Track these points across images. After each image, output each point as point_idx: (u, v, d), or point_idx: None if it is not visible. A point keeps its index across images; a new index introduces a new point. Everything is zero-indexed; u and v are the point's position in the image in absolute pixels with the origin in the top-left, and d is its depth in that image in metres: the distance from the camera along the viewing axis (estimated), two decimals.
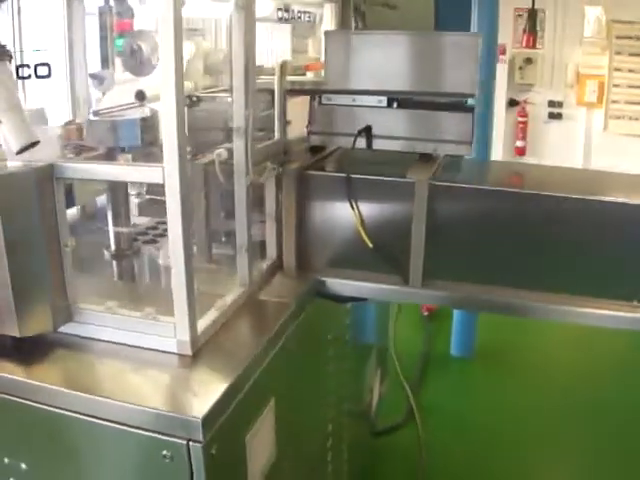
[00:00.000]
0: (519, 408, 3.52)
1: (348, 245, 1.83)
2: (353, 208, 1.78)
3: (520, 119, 6.44)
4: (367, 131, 1.87)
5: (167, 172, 1.33)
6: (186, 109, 1.95)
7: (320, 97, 1.89)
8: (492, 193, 1.74)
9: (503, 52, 6.28)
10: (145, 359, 1.44)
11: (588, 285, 1.73)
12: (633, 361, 4.10)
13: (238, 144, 1.59)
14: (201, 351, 1.47)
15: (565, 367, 4.01)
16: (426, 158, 1.88)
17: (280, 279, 1.83)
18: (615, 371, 3.95)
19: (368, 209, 1.80)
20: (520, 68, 6.30)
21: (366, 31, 2.44)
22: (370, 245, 1.79)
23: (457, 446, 3.21)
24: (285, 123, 1.88)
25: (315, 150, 1.97)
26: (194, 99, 1.95)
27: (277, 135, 1.83)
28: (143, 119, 1.89)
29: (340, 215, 1.81)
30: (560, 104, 6.33)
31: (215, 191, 1.80)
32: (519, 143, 6.49)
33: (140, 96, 1.96)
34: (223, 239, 1.96)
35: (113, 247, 1.96)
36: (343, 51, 1.82)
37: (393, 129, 1.86)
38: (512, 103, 6.46)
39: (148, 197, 2.51)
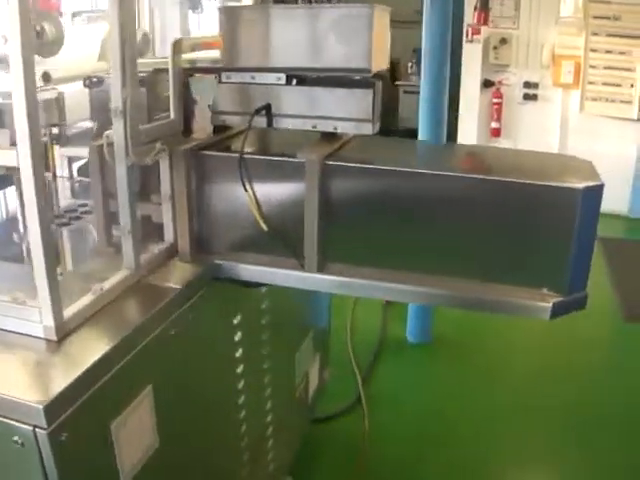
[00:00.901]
0: (474, 396, 3.51)
1: (246, 228, 1.80)
2: (246, 189, 1.75)
3: (495, 100, 6.37)
4: (267, 110, 1.83)
5: (20, 155, 1.30)
6: (87, 89, 1.97)
7: (220, 75, 1.85)
8: (387, 173, 1.69)
9: (477, 32, 6.22)
10: (13, 343, 1.42)
11: (495, 271, 1.69)
12: (591, 340, 4.10)
13: (117, 125, 1.56)
14: (70, 336, 1.45)
15: (524, 353, 3.99)
16: (329, 137, 1.85)
17: (174, 263, 1.80)
18: (576, 354, 3.94)
19: (263, 190, 1.76)
20: (495, 48, 6.23)
21: (259, 5, 2.39)
22: (265, 228, 1.76)
23: (403, 435, 3.19)
24: (185, 102, 1.85)
25: (220, 130, 1.93)
26: (94, 80, 1.91)
27: (173, 115, 1.80)
28: (46, 101, 1.88)
29: (236, 197, 1.76)
30: (536, 85, 6.26)
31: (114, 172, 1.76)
32: (494, 124, 6.43)
33: (46, 77, 1.93)
34: None
35: (22, 230, 1.95)
36: (238, 27, 1.77)
37: (293, 107, 1.81)
38: (487, 84, 6.39)
39: (78, 179, 2.52)
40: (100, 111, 1.85)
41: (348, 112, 1.78)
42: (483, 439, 3.17)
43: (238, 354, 2.02)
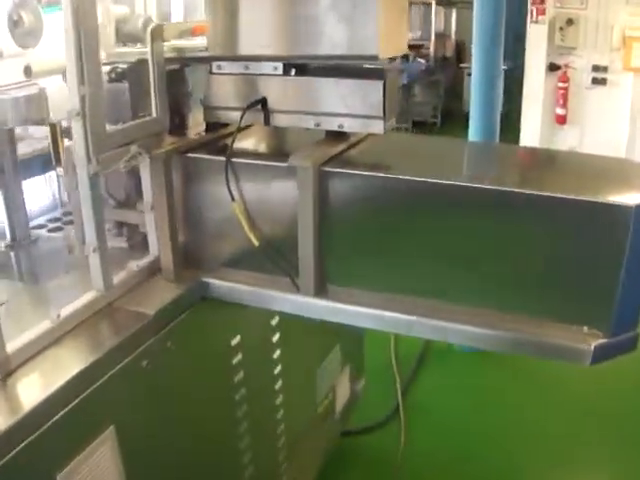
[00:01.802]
0: (524, 413, 3.13)
1: (237, 242, 1.52)
2: (233, 198, 1.46)
3: (561, 85, 5.79)
4: (263, 104, 1.54)
5: None
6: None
7: (211, 65, 1.57)
8: (397, 182, 1.36)
9: (542, 12, 5.66)
10: None
11: (525, 301, 1.35)
12: None
13: (75, 129, 1.31)
14: (16, 372, 1.22)
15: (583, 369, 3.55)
16: (334, 136, 1.53)
17: (157, 282, 1.54)
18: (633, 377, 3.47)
19: (255, 199, 1.47)
20: (561, 29, 5.64)
21: None
22: (255, 243, 1.48)
23: (442, 451, 2.86)
24: (175, 96, 1.58)
25: (218, 127, 1.65)
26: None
27: (155, 112, 1.53)
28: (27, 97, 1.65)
29: (226, 206, 1.48)
30: (605, 69, 5.63)
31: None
32: (559, 111, 5.84)
33: (27, 72, 1.70)
34: (115, 230, 1.70)
35: (8, 237, 1.75)
36: (226, 10, 1.48)
37: (293, 102, 1.51)
38: (552, 68, 5.81)
39: None
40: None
41: (355, 107, 1.46)
42: (531, 461, 2.80)
43: (238, 378, 1.75)
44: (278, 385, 2.00)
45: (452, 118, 8.53)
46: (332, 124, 1.50)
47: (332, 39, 1.39)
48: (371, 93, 1.43)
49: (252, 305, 1.54)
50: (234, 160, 1.46)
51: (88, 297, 1.40)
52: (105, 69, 1.54)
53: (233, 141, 1.48)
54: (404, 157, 1.61)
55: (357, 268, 1.46)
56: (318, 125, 1.51)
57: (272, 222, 1.48)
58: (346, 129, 1.50)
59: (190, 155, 1.51)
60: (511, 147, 1.73)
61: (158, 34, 1.48)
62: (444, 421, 3.05)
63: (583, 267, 1.27)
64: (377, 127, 1.46)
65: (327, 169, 1.39)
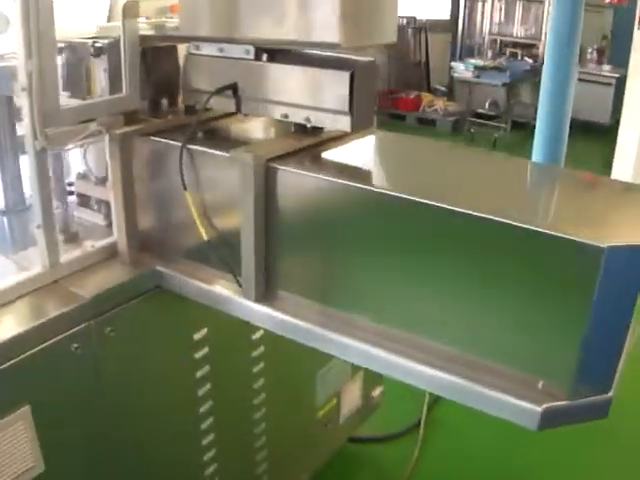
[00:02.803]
0: (561, 444, 2.82)
1: (191, 233, 1.42)
2: (185, 188, 1.36)
3: None
4: (235, 90, 1.42)
5: None
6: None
7: (189, 46, 1.47)
8: (346, 189, 1.19)
9: None
10: None
11: (472, 337, 1.15)
12: None
13: (23, 103, 1.26)
14: None
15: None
16: (303, 130, 1.38)
17: (111, 265, 1.48)
18: None
19: (209, 191, 1.37)
20: None
21: None
22: (204, 236, 1.37)
23: (454, 474, 2.64)
24: (154, 77, 1.50)
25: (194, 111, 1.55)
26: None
27: (124, 91, 1.45)
28: None
29: (182, 193, 1.39)
30: None
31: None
32: None
33: None
34: (96, 207, 1.66)
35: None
36: None
37: (264, 90, 1.38)
38: None
39: None
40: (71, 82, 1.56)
41: (322, 100, 1.30)
42: None
43: (202, 373, 1.66)
44: (258, 384, 1.89)
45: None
46: (299, 116, 1.35)
47: (293, 23, 1.24)
48: (337, 85, 1.27)
49: (201, 302, 1.43)
50: (191, 147, 1.35)
51: (33, 272, 1.36)
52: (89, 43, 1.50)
53: (195, 126, 1.38)
54: (376, 162, 1.43)
55: (304, 277, 1.32)
56: (286, 117, 1.37)
57: (222, 216, 1.37)
58: (313, 123, 1.34)
59: (151, 138, 1.42)
60: (519, 162, 1.48)
61: (131, 10, 1.40)
62: (465, 443, 2.81)
63: (544, 307, 1.05)
64: (344, 124, 1.30)
65: (274, 165, 1.25)
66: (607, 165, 5.50)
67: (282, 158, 1.28)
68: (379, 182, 1.22)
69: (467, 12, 8.73)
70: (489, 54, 8.17)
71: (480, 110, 7.58)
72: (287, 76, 1.34)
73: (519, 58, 7.75)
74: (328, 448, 2.46)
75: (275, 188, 1.26)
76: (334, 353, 1.28)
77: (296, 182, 1.25)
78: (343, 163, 1.34)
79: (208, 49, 1.44)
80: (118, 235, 1.47)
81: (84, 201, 1.66)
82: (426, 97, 8.14)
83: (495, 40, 8.32)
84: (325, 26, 1.19)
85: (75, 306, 1.32)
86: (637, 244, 0.97)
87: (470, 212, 1.05)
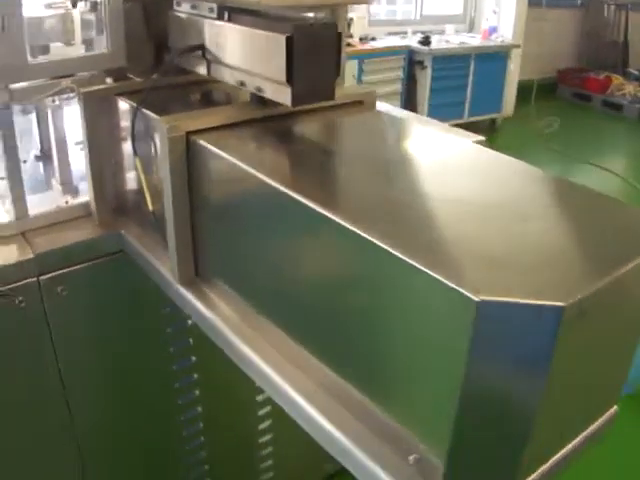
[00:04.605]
0: None
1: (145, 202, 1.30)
2: (135, 153, 1.23)
3: None
4: (203, 53, 1.24)
5: None
6: None
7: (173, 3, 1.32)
8: (250, 178, 0.95)
9: None
10: None
11: (357, 373, 0.87)
12: None
13: None
14: None
15: None
16: (261, 100, 1.17)
17: (81, 224, 1.42)
18: None
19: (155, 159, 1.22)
20: None
21: None
22: (150, 206, 1.24)
23: None
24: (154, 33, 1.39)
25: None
26: None
27: (105, 47, 1.35)
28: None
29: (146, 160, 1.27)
30: None
31: None
32: None
33: None
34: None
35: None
36: None
37: (223, 53, 1.19)
38: None
39: None
40: None
41: (268, 68, 1.08)
42: None
43: (174, 349, 1.57)
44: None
45: None
46: (252, 85, 1.14)
47: None
48: (275, 51, 1.03)
49: (148, 276, 1.32)
50: (144, 110, 1.22)
51: None
52: None
53: (151, 85, 1.23)
54: (323, 147, 1.15)
55: (227, 265, 1.13)
56: (242, 84, 1.17)
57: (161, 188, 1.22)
58: (265, 94, 1.13)
59: (118, 98, 1.31)
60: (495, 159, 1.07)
61: None
62: None
63: (423, 360, 0.76)
64: (285, 96, 1.06)
65: (193, 138, 1.07)
66: None
67: (210, 131, 1.09)
68: (270, 169, 0.97)
69: None
70: None
71: None
72: (239, 39, 1.13)
73: None
74: None
75: (193, 162, 1.09)
76: (235, 361, 1.08)
77: (209, 158, 1.05)
78: (266, 143, 1.11)
79: (185, 6, 1.28)
80: (89, 195, 1.41)
81: None
82: (616, 79, 7.05)
83: None
84: None
85: (21, 260, 1.28)
86: (520, 301, 0.63)
87: (330, 216, 0.79)
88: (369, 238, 0.74)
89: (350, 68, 5.25)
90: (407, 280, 0.72)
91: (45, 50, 1.47)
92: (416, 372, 0.76)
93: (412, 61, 5.72)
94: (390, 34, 6.06)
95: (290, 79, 1.03)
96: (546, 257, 0.75)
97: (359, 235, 0.76)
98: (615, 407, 0.93)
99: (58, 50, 1.41)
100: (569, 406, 0.81)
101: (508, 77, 6.23)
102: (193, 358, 1.61)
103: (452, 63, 5.77)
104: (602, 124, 6.86)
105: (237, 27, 1.12)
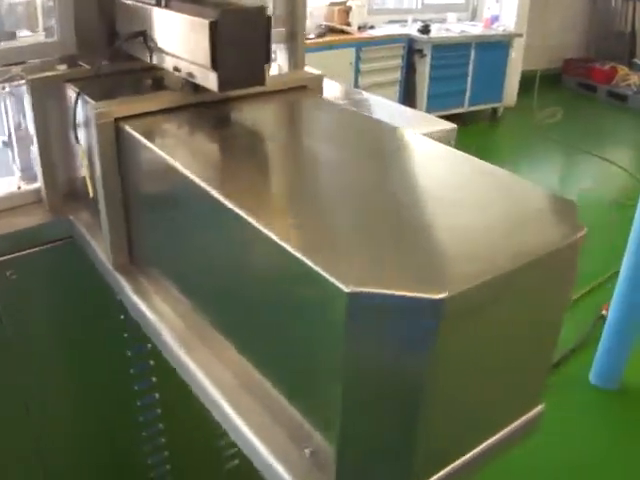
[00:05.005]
0: None
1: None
2: (77, 140, 1.23)
3: None
4: (145, 39, 1.23)
5: None
6: None
7: None
8: (169, 169, 0.95)
9: None
10: None
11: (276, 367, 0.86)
12: None
13: None
14: None
15: None
16: (194, 87, 1.15)
17: (34, 209, 1.42)
18: None
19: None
20: None
21: None
22: (90, 193, 1.23)
23: None
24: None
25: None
26: None
27: (56, 34, 1.35)
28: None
29: None
30: None
31: None
32: None
33: None
34: None
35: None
36: None
37: (159, 38, 1.18)
38: None
39: None
40: None
41: (196, 53, 1.07)
42: None
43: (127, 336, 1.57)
44: None
45: None
46: (185, 71, 1.13)
47: None
48: (200, 36, 1.02)
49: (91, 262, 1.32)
50: (85, 96, 1.21)
51: None
52: None
53: (97, 71, 1.23)
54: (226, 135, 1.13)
55: (158, 253, 1.12)
56: (177, 70, 1.16)
57: None
58: (196, 80, 1.11)
59: (66, 85, 1.30)
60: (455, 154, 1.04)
61: None
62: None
63: (310, 349, 0.75)
64: (211, 82, 1.05)
65: (121, 124, 1.06)
66: None
67: (143, 117, 1.08)
68: (184, 156, 0.96)
69: None
70: None
71: None
72: (172, 25, 1.12)
73: None
74: None
75: (122, 149, 1.08)
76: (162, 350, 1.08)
77: (133, 145, 1.05)
78: (192, 130, 1.10)
79: None
80: (39, 181, 1.41)
81: None
82: (621, 70, 6.92)
83: None
84: None
85: None
86: (395, 293, 0.62)
87: (222, 201, 0.78)
88: (256, 225, 0.73)
89: (347, 56, 5.22)
90: (290, 268, 0.71)
91: (12, 36, 1.47)
92: (306, 361, 0.76)
93: (411, 50, 5.66)
94: (391, 22, 6.00)
95: (215, 64, 1.02)
96: (437, 247, 0.74)
97: (249, 223, 0.75)
98: (541, 406, 0.90)
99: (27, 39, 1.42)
100: (476, 404, 0.79)
101: (510, 66, 6.14)
102: (149, 345, 1.61)
103: (452, 52, 5.70)
104: (606, 115, 6.74)
105: (170, 13, 1.11)
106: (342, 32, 5.34)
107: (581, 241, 0.73)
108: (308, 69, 1.49)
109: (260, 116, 1.17)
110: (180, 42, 1.10)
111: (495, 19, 6.10)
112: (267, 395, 0.86)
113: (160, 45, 1.18)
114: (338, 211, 0.81)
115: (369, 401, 0.71)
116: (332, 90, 2.21)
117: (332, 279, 0.64)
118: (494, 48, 5.95)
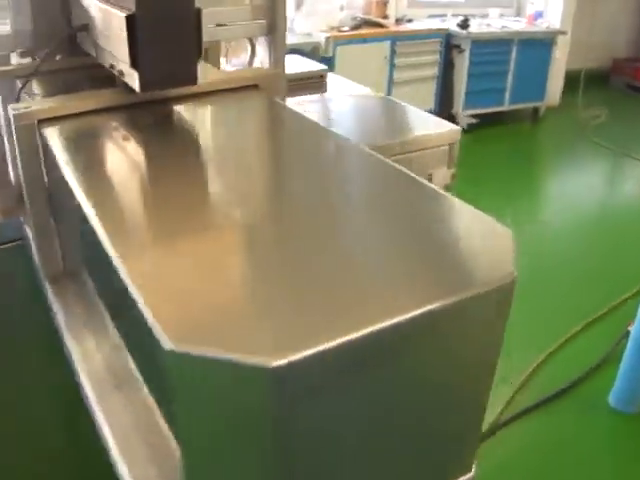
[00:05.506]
0: None
1: None
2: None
3: None
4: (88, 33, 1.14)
5: None
6: None
7: None
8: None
9: None
10: None
11: None
12: None
13: None
14: None
15: None
16: (126, 85, 1.05)
17: None
18: None
19: None
20: None
21: None
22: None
23: None
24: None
25: None
26: None
27: (11, 25, 1.27)
28: None
29: None
30: None
31: None
32: None
33: None
34: None
35: None
36: None
37: (99, 33, 1.08)
38: None
39: None
40: None
41: (119, 50, 0.97)
42: None
43: None
44: None
45: None
46: (117, 68, 1.03)
47: None
48: (119, 30, 0.92)
49: None
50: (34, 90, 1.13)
51: None
52: None
53: (41, 62, 1.14)
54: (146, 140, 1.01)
55: (86, 264, 1.04)
56: (112, 67, 1.06)
57: None
58: (125, 78, 1.01)
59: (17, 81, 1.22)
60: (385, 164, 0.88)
61: None
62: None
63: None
64: (133, 80, 0.95)
65: (41, 126, 0.96)
66: None
67: (70, 118, 0.99)
68: (85, 167, 0.86)
69: None
70: None
71: None
72: (103, 18, 1.02)
73: None
74: None
75: (45, 153, 0.99)
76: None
77: (50, 150, 0.95)
78: (111, 135, 1.00)
79: None
80: None
81: None
82: None
83: None
84: None
85: None
86: (220, 356, 0.50)
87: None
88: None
89: (381, 50, 5.04)
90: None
91: None
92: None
93: (450, 45, 5.42)
94: (431, 16, 5.77)
95: (135, 62, 0.92)
96: (308, 293, 0.60)
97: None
98: (471, 473, 0.76)
99: None
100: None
101: (553, 65, 5.81)
102: None
103: (492, 48, 5.43)
104: None
105: (101, 5, 1.01)
106: (378, 25, 5.16)
107: (495, 294, 0.59)
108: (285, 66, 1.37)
109: (192, 120, 1.06)
110: (109, 37, 1.01)
111: (539, 15, 5.77)
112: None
113: (98, 40, 1.09)
114: (221, 247, 0.70)
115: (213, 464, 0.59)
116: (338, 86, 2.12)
117: (160, 333, 0.52)
118: (536, 46, 5.63)
